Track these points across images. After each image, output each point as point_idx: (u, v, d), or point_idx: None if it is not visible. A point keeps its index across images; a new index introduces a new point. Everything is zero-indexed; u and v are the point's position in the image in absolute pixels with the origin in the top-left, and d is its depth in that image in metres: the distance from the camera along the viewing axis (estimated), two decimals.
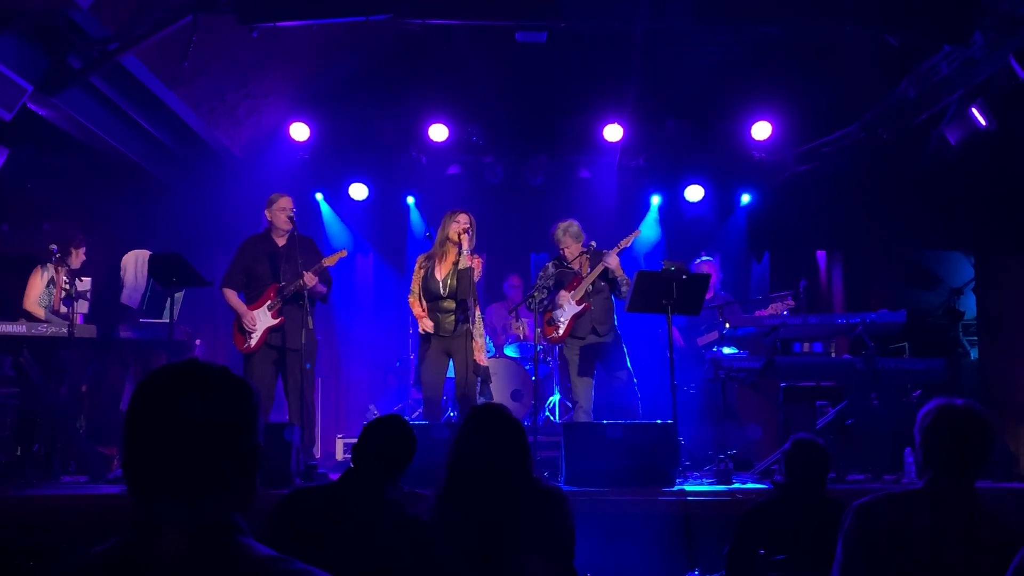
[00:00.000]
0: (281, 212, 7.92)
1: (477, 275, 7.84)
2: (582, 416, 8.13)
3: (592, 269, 8.20)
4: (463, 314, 7.79)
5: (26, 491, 6.79)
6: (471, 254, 7.78)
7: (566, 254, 8.40)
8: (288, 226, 7.90)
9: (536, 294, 8.35)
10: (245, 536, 1.73)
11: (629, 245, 8.36)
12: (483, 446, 3.78)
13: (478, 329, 7.90)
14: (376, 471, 3.69)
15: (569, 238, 8.37)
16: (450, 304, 7.82)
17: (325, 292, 8.03)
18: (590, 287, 8.19)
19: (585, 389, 8.21)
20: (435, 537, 3.68)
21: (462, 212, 7.95)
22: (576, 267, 8.36)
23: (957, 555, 3.09)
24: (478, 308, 7.99)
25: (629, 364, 8.27)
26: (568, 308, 8.25)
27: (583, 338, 8.25)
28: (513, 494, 3.73)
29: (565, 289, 8.29)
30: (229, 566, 1.66)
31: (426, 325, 7.82)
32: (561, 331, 8.30)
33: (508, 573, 3.60)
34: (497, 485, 3.72)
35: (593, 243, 8.40)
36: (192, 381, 1.75)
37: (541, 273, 8.53)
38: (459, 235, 7.78)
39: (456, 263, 7.81)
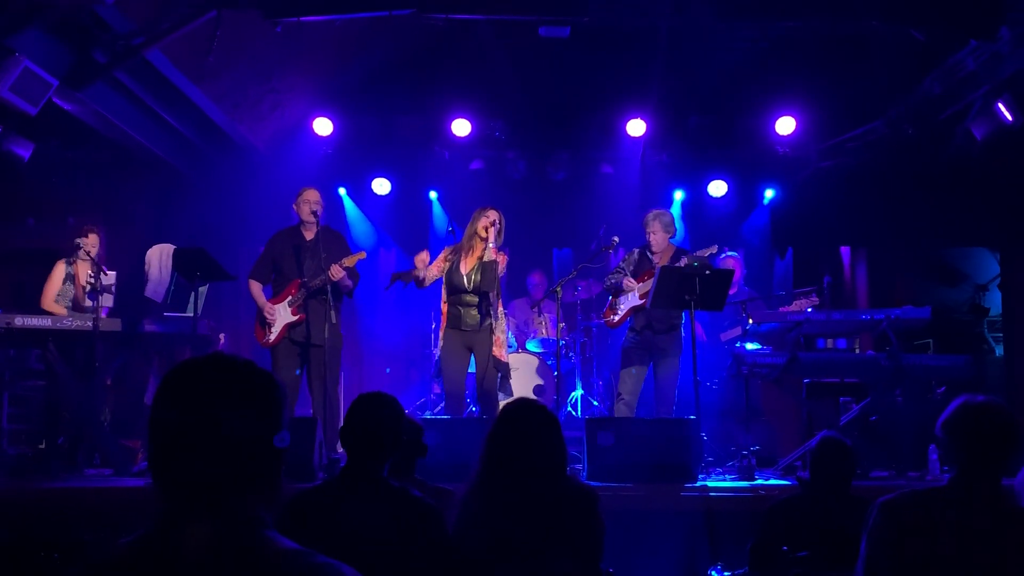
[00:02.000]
0: (305, 205, 7.93)
1: (501, 271, 7.84)
2: (623, 408, 8.09)
3: None
4: (486, 308, 7.79)
5: (51, 484, 6.84)
6: (496, 250, 7.79)
7: (652, 241, 8.31)
8: (311, 219, 7.90)
9: (613, 276, 8.40)
10: (269, 529, 1.73)
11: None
12: (519, 442, 3.75)
13: (500, 325, 7.90)
14: (369, 453, 3.59)
15: (659, 224, 8.29)
16: (473, 299, 7.82)
17: (351, 287, 8.03)
18: None
19: (632, 382, 8.17)
20: (462, 530, 3.68)
21: (492, 208, 7.96)
22: (657, 260, 8.27)
23: (983, 552, 3.07)
24: (501, 304, 7.99)
25: (678, 364, 8.20)
26: (630, 298, 8.22)
27: (639, 331, 8.22)
28: (546, 492, 3.71)
29: (638, 279, 8.22)
30: (253, 559, 1.66)
31: (429, 270, 7.88)
32: (616, 318, 8.32)
33: (536, 570, 3.60)
34: (531, 482, 3.70)
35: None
36: (216, 375, 1.76)
37: (626, 257, 8.50)
38: (486, 229, 7.79)
39: (481, 258, 7.82)
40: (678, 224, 11.70)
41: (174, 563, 1.65)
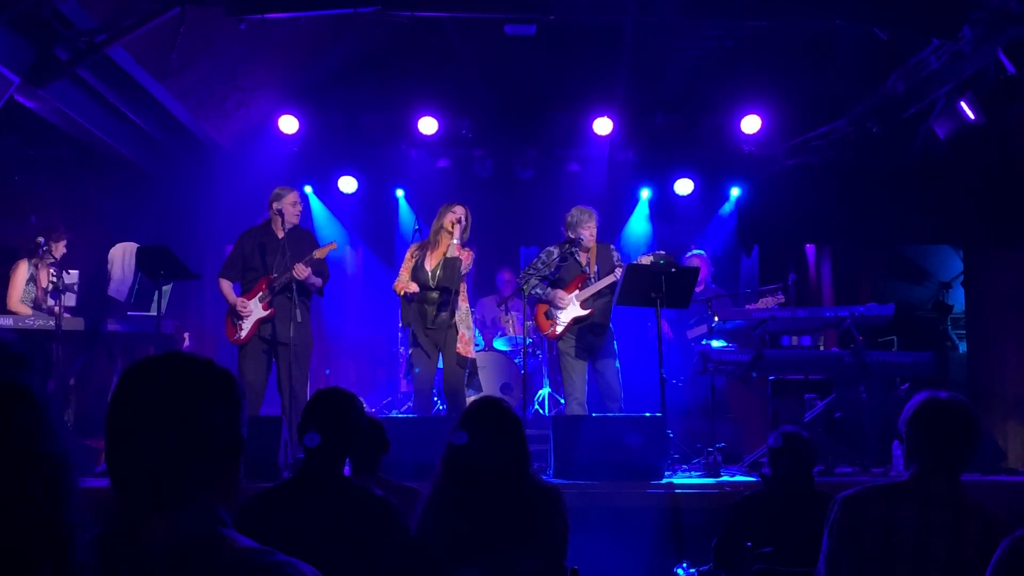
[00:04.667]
0: (294, 207, 7.96)
1: (466, 267, 7.84)
2: (576, 408, 8.07)
3: (601, 272, 8.08)
4: (448, 304, 7.77)
5: None
6: (462, 246, 7.80)
7: (589, 235, 8.14)
8: (296, 219, 7.94)
9: (531, 280, 8.14)
10: (227, 528, 1.72)
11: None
12: (480, 440, 3.74)
13: (465, 322, 7.91)
14: (328, 450, 3.56)
15: (594, 222, 8.14)
16: (436, 295, 7.83)
17: (320, 285, 8.01)
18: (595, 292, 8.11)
19: (579, 381, 8.14)
20: (426, 529, 3.67)
21: (458, 204, 8.00)
22: (584, 260, 8.22)
23: (942, 547, 3.09)
24: (467, 301, 7.99)
25: (617, 357, 8.24)
26: (571, 310, 8.10)
27: (578, 336, 8.18)
28: (509, 491, 3.71)
29: (569, 285, 8.15)
30: (210, 557, 1.65)
31: (410, 287, 7.80)
32: (559, 330, 8.14)
33: (499, 569, 3.59)
34: (493, 481, 3.69)
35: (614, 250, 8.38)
36: (173, 372, 1.75)
37: (543, 257, 8.25)
38: (452, 224, 7.80)
39: (445, 253, 7.83)
40: (646, 222, 11.84)
41: (129, 561, 1.64)
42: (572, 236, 8.21)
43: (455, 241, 7.76)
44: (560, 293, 8.14)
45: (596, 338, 8.14)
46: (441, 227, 7.92)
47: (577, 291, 8.10)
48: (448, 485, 3.75)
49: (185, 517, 1.68)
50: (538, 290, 8.18)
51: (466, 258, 7.85)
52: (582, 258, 8.23)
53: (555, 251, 8.26)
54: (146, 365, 1.77)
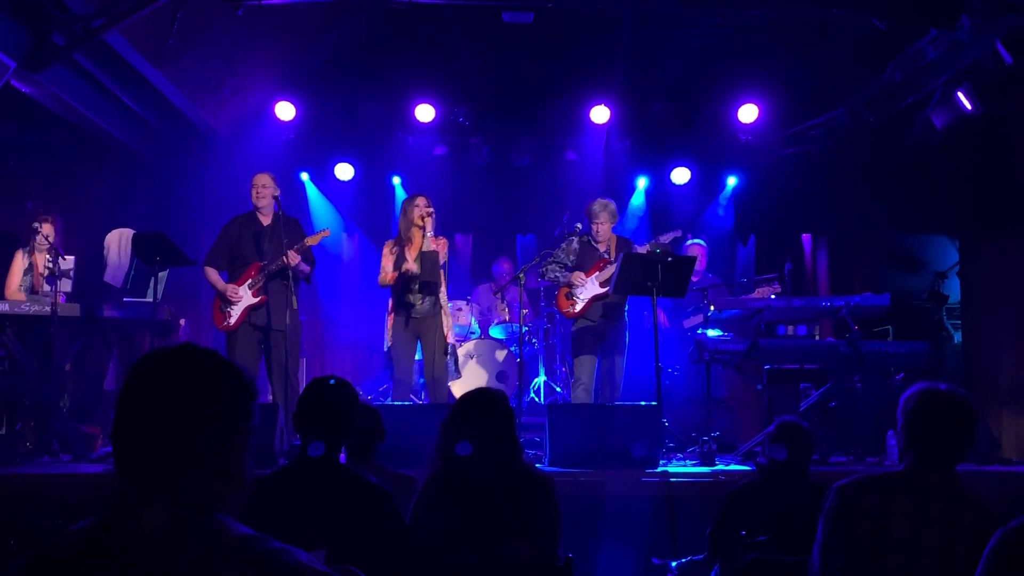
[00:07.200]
0: (265, 190, 7.90)
1: (443, 257, 7.95)
2: (582, 394, 8.10)
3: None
4: (431, 296, 7.85)
5: (9, 469, 6.78)
6: (434, 236, 7.87)
7: (598, 230, 8.28)
8: (262, 203, 7.90)
9: (551, 266, 8.30)
10: (224, 515, 1.73)
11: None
12: (472, 430, 3.75)
13: (445, 308, 7.99)
14: (323, 438, 3.55)
15: (607, 215, 8.27)
16: (418, 287, 7.89)
17: (308, 272, 8.01)
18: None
19: (589, 367, 8.16)
20: (420, 516, 3.68)
21: (420, 195, 8.07)
22: (603, 249, 8.29)
23: (936, 537, 3.10)
24: (445, 288, 8.05)
25: (624, 355, 8.28)
26: (590, 288, 8.17)
27: (593, 320, 8.22)
28: (502, 479, 3.72)
29: (589, 270, 8.20)
30: (207, 544, 1.66)
31: (409, 266, 7.87)
32: (578, 308, 8.20)
33: (493, 557, 3.61)
34: (485, 470, 3.71)
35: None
36: (184, 362, 1.76)
37: (564, 246, 8.37)
38: (423, 218, 7.86)
39: (421, 247, 7.89)
40: (643, 210, 11.83)
41: (127, 548, 1.65)
42: (592, 225, 8.34)
43: (429, 234, 7.81)
44: (578, 273, 8.21)
45: (610, 324, 8.17)
46: (411, 222, 7.98)
47: (597, 273, 8.13)
48: (441, 473, 3.76)
49: (183, 505, 1.69)
50: (557, 274, 8.29)
51: (442, 248, 7.94)
52: (600, 247, 8.27)
53: (575, 241, 8.37)
54: (159, 355, 1.79)
